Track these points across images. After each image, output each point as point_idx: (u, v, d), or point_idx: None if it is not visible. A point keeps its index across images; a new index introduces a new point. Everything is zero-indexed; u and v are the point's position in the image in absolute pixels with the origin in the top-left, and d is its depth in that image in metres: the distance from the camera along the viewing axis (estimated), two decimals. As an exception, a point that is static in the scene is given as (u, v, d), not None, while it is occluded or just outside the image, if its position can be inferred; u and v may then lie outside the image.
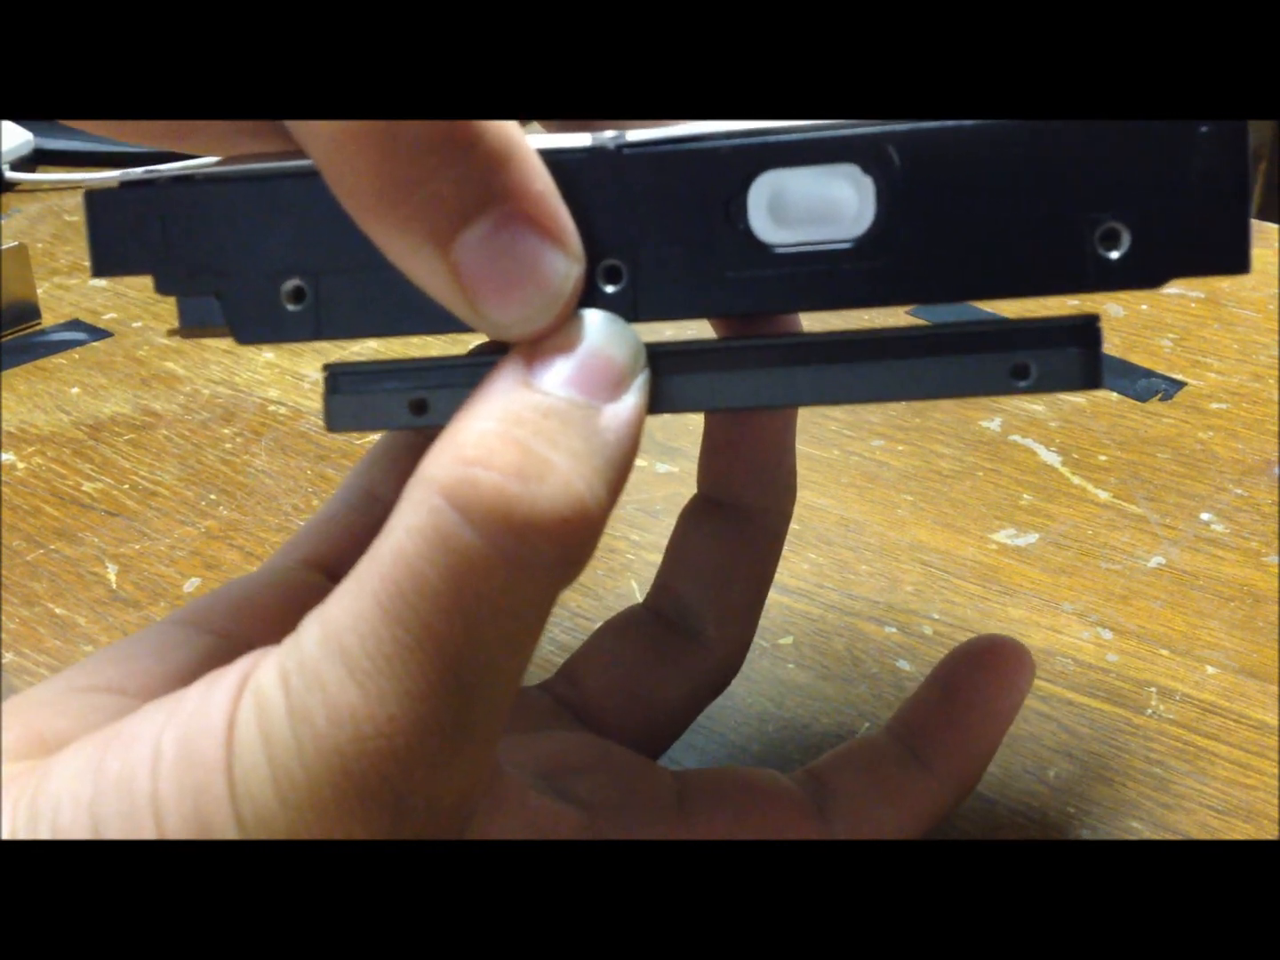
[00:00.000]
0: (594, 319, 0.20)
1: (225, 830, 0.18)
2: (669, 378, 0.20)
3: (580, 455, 0.18)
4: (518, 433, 0.18)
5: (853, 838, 0.24)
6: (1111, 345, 0.49)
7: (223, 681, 0.19)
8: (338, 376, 0.21)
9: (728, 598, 0.27)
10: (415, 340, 0.49)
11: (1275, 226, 0.59)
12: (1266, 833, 0.28)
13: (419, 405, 0.21)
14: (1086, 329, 0.19)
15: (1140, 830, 0.28)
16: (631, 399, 0.19)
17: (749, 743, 0.31)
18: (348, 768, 0.18)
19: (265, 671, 0.19)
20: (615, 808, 0.23)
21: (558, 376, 0.19)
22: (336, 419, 0.21)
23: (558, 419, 0.19)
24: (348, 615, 0.18)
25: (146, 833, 0.18)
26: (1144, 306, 0.52)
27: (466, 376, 0.20)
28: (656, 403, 0.20)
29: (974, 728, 0.24)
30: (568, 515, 0.18)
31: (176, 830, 0.18)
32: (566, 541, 0.18)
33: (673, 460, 0.43)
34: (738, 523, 0.27)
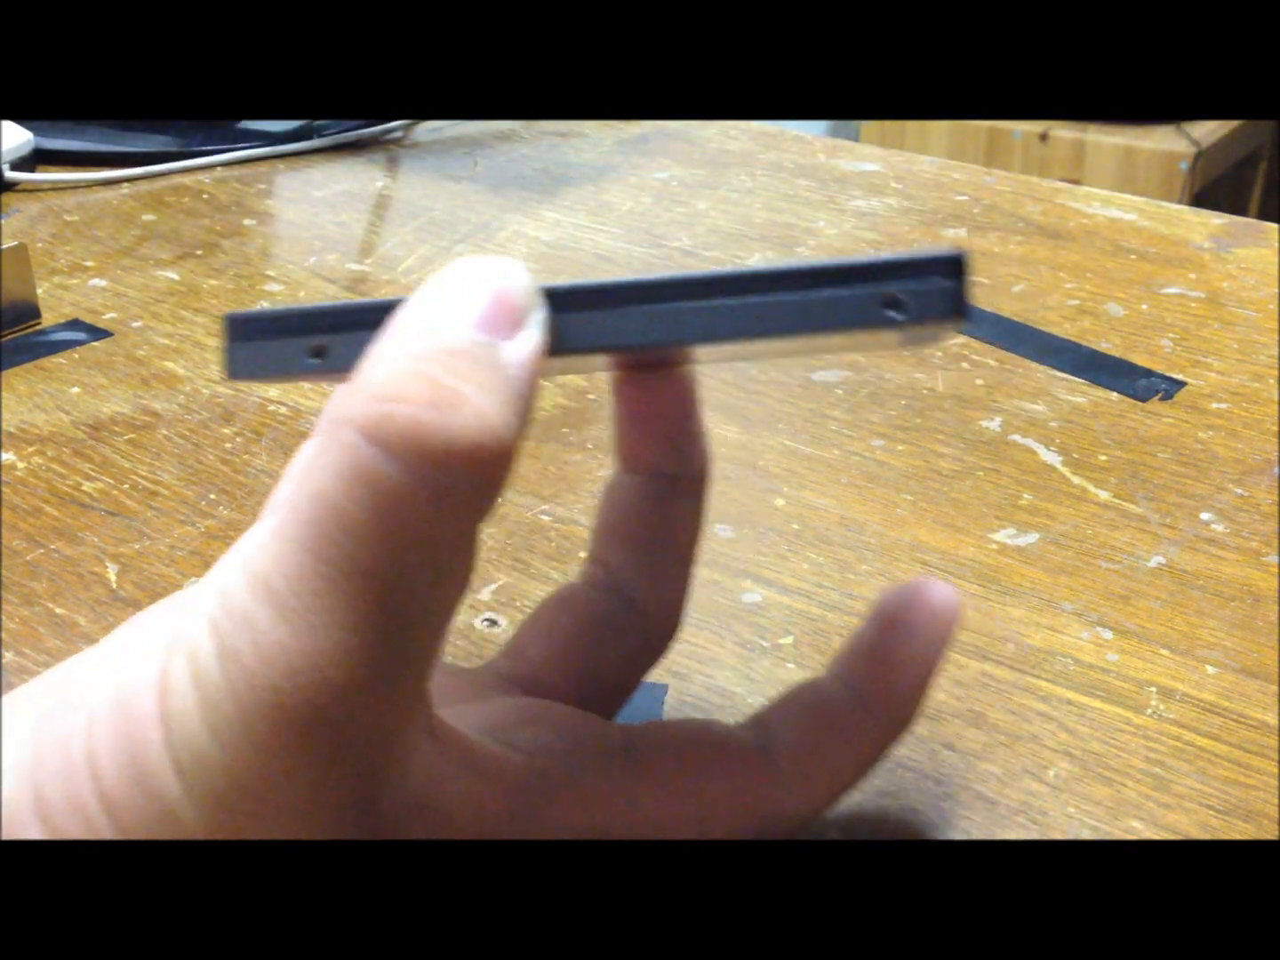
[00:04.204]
0: (490, 265, 0.21)
1: (162, 776, 0.19)
2: (562, 315, 0.21)
3: (488, 387, 0.19)
4: (427, 369, 0.19)
5: (797, 778, 0.25)
6: (1111, 345, 0.49)
7: (156, 643, 0.20)
8: (236, 324, 0.21)
9: (655, 562, 0.28)
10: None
11: (1275, 226, 0.59)
12: (1266, 833, 0.28)
13: (318, 350, 0.21)
14: (953, 261, 0.20)
15: (1140, 830, 0.28)
16: (530, 335, 0.20)
17: (749, 743, 0.31)
18: (282, 702, 0.18)
19: (193, 622, 0.19)
20: (560, 754, 0.23)
21: (460, 318, 0.20)
22: (236, 367, 0.22)
23: (464, 356, 0.19)
24: (272, 559, 0.19)
25: (85, 791, 0.19)
26: (1144, 306, 0.52)
27: (364, 318, 0.21)
28: (555, 343, 0.21)
29: (901, 663, 0.25)
30: (483, 440, 0.19)
31: (114, 782, 0.19)
32: (483, 467, 0.19)
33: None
34: (656, 489, 0.28)
